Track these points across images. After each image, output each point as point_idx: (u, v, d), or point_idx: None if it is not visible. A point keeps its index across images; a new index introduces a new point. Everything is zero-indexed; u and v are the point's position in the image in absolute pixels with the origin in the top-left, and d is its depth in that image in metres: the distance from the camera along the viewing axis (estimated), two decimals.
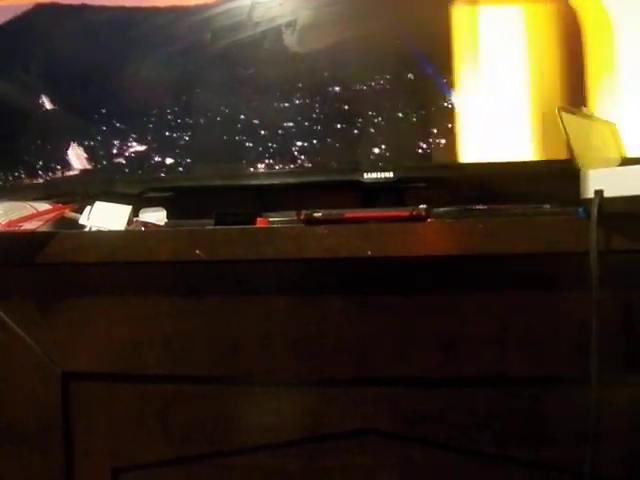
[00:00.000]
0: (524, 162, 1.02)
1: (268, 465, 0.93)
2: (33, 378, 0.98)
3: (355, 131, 1.06)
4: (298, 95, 1.04)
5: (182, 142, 1.12)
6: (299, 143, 1.08)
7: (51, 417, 0.97)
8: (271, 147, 1.10)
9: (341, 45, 1.04)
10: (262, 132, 1.10)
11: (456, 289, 0.87)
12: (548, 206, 0.94)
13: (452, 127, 1.03)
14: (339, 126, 1.07)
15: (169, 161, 1.10)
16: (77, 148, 1.18)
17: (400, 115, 1.02)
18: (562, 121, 0.82)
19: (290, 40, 1.06)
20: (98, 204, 1.05)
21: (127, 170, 1.15)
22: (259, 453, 0.93)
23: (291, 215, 0.96)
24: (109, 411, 0.97)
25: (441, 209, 0.96)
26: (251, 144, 1.10)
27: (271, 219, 1.00)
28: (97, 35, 1.12)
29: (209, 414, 0.94)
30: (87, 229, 1.04)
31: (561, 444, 0.85)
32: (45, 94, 1.16)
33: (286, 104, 1.05)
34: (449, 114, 1.04)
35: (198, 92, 1.12)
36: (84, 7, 1.14)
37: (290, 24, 1.07)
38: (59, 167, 1.17)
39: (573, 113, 0.85)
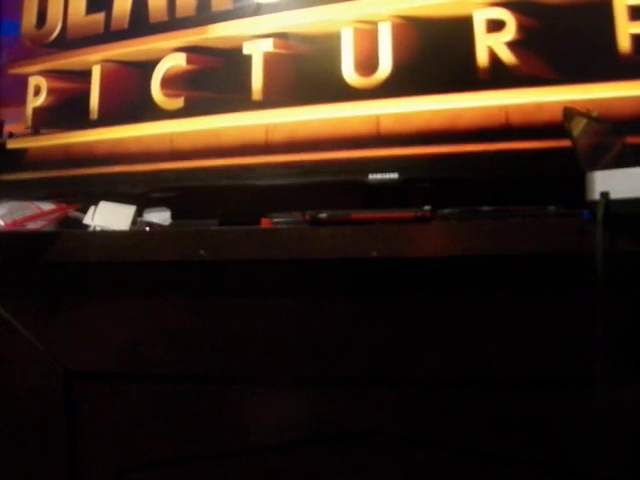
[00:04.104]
0: (530, 163, 1.01)
1: (272, 465, 0.93)
2: (36, 377, 0.98)
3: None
4: None
5: None
6: None
7: (54, 416, 0.98)
8: None
9: None
10: None
11: (461, 290, 0.87)
12: (554, 208, 0.93)
13: None
14: None
15: None
16: None
17: None
18: (568, 122, 0.82)
19: None
20: (102, 204, 1.05)
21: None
22: (263, 453, 0.93)
23: (296, 216, 0.95)
24: (113, 410, 0.97)
25: (446, 210, 0.96)
26: None
27: (276, 220, 1.00)
28: None
29: (213, 414, 0.94)
30: (91, 229, 1.04)
31: (566, 445, 0.84)
32: None
33: None
34: None
35: None
36: None
37: None
38: None
39: (579, 114, 0.85)
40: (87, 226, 1.05)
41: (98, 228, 1.04)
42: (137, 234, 0.97)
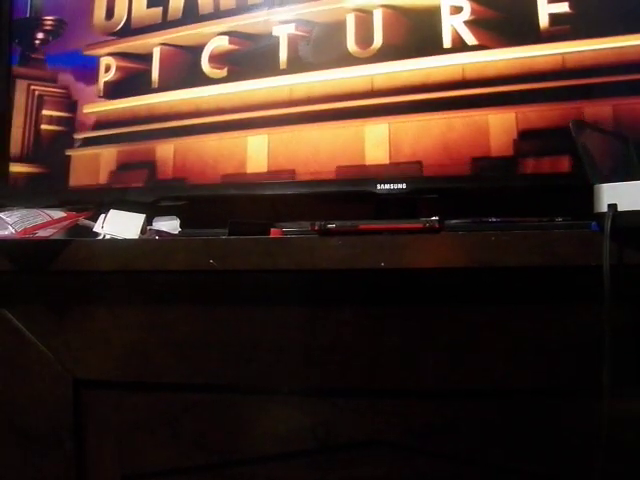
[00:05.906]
0: (536, 175, 1.02)
1: (278, 475, 0.93)
2: (45, 385, 0.98)
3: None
4: None
5: None
6: None
7: (63, 424, 0.98)
8: None
9: None
10: None
11: (468, 301, 0.87)
12: (561, 219, 0.94)
13: None
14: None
15: None
16: None
17: None
18: (575, 134, 0.83)
19: None
20: (112, 212, 1.05)
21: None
22: (269, 463, 0.93)
23: (305, 226, 0.96)
24: (120, 418, 0.97)
25: (454, 221, 0.96)
26: None
27: (285, 229, 1.01)
28: None
29: (220, 423, 0.94)
30: (101, 237, 1.04)
31: (571, 456, 0.84)
32: None
33: None
34: None
35: None
36: None
37: None
38: None
39: (588, 127, 0.85)
40: (97, 234, 1.05)
41: (108, 236, 1.04)
42: (146, 242, 0.97)
